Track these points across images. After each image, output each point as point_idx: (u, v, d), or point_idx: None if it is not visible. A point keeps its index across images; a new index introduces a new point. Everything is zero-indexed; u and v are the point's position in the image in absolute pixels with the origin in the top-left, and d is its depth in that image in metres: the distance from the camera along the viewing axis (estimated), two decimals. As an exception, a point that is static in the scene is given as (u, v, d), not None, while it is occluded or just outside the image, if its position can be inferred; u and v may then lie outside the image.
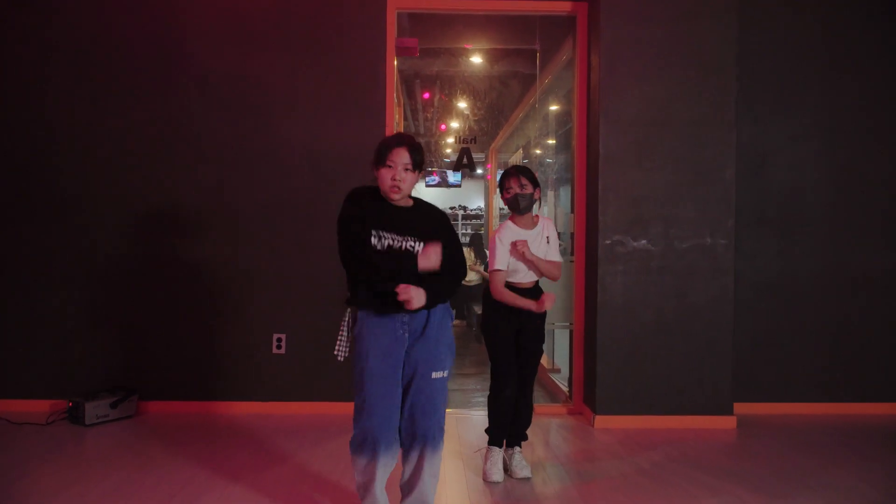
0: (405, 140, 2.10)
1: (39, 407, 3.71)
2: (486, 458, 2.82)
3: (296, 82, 3.80)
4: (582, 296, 3.85)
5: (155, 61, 3.78)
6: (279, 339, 3.78)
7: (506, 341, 2.76)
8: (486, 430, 2.84)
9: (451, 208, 11.32)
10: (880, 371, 3.93)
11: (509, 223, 2.80)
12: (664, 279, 3.60)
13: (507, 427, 2.81)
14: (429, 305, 2.07)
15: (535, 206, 2.86)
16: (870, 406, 3.90)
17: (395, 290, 1.99)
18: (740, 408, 3.76)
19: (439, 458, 2.15)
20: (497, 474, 2.76)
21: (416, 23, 4.21)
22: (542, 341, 2.87)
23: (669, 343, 3.59)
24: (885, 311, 3.93)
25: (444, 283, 2.11)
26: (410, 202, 2.19)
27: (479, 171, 11.22)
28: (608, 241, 3.60)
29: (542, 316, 2.82)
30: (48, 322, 3.76)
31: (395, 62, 3.91)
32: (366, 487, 2.12)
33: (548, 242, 2.80)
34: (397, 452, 2.13)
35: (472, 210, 11.49)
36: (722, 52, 3.62)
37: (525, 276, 2.78)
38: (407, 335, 2.11)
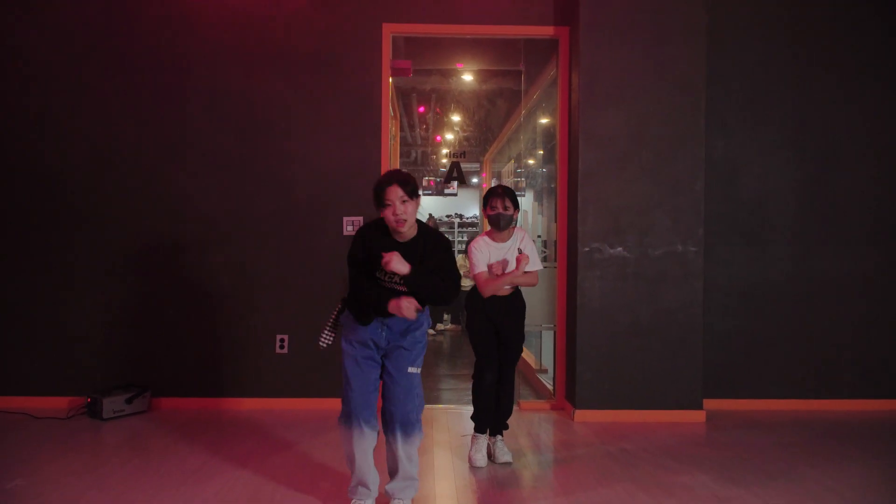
0: (394, 177, 2.36)
1: (58, 403, 3.98)
2: (471, 445, 3.10)
3: (298, 101, 4.10)
4: (563, 299, 4.13)
5: (167, 84, 4.08)
6: (282, 340, 4.07)
7: (486, 333, 3.06)
8: (472, 417, 3.12)
9: (448, 216, 11.64)
10: (843, 370, 4.21)
11: (485, 238, 3.12)
12: (639, 284, 3.88)
13: (490, 414, 3.09)
14: (417, 295, 2.36)
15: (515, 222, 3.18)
16: (832, 402, 4.17)
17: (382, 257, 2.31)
18: (710, 403, 4.04)
19: (418, 439, 2.46)
20: (481, 460, 3.04)
21: (411, 44, 4.51)
22: (522, 339, 3.17)
23: (643, 343, 3.87)
24: (847, 314, 4.22)
25: (432, 284, 2.36)
26: (415, 232, 2.44)
27: (475, 180, 11.55)
28: (587, 249, 3.88)
29: (519, 314, 3.12)
30: (67, 325, 4.05)
31: (391, 82, 4.21)
32: (351, 458, 2.45)
33: (520, 252, 3.07)
34: (377, 428, 2.47)
35: (467, 218, 11.79)
36: (692, 73, 3.92)
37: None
38: (384, 332, 2.43)
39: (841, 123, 4.25)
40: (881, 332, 4.22)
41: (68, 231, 4.06)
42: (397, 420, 2.43)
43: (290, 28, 4.10)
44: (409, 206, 2.36)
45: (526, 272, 3.06)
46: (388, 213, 2.36)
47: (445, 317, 8.02)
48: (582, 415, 3.85)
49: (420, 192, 2.45)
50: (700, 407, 3.87)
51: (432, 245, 2.44)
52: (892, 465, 3.10)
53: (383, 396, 2.49)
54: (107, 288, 4.06)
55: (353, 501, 2.48)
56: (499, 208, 3.03)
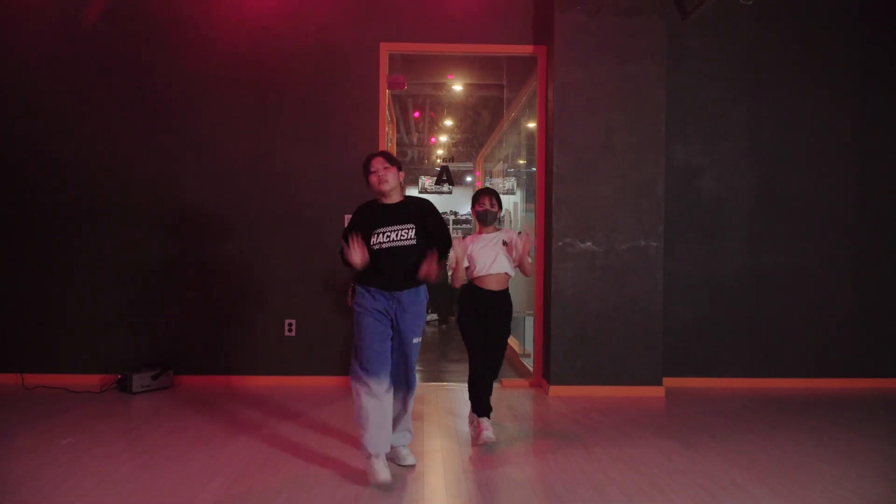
0: (378, 151, 2.92)
1: (90, 380, 4.48)
2: (479, 423, 3.34)
3: (305, 112, 4.59)
4: (540, 288, 4.64)
5: (184, 96, 4.57)
6: (290, 324, 4.56)
7: (477, 330, 3.33)
8: (473, 408, 3.38)
9: (443, 213, 12.11)
10: (789, 352, 4.72)
11: (476, 235, 3.47)
12: (606, 275, 4.39)
13: (486, 400, 3.37)
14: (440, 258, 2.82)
15: (498, 221, 3.55)
16: (779, 381, 4.69)
17: (420, 275, 2.75)
18: (670, 382, 4.56)
19: (414, 391, 2.97)
20: (487, 432, 3.26)
21: (406, 60, 5.00)
22: (507, 333, 3.44)
23: (610, 327, 4.37)
24: (793, 302, 4.73)
25: (442, 251, 2.88)
26: (402, 199, 2.91)
27: (469, 178, 12.04)
28: (560, 243, 4.38)
29: (507, 313, 3.43)
30: (99, 310, 4.55)
31: (388, 93, 4.70)
32: (365, 414, 2.68)
33: (504, 244, 3.39)
34: (389, 387, 2.76)
35: (462, 215, 12.27)
36: (654, 88, 4.41)
37: (486, 269, 3.32)
38: (394, 304, 2.82)
39: (789, 132, 4.76)
40: (823, 318, 4.73)
41: (101, 226, 4.55)
42: (406, 381, 2.86)
43: (299, 48, 4.59)
44: (390, 172, 2.81)
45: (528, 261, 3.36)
46: (372, 178, 2.82)
47: (432, 315, 8.40)
48: (555, 390, 4.36)
49: (402, 169, 2.90)
50: (660, 384, 4.38)
51: (419, 208, 2.88)
52: (816, 431, 3.60)
53: (393, 365, 2.84)
54: (134, 277, 4.56)
55: (369, 458, 2.70)
56: (486, 205, 3.40)
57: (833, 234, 4.75)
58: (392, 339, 2.86)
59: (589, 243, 4.39)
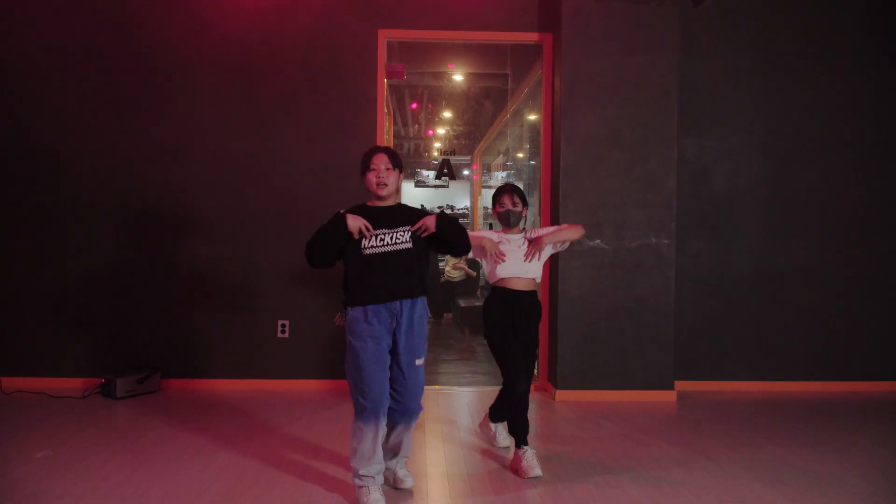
0: (383, 147, 2.63)
1: (73, 384, 4.25)
2: (521, 459, 2.83)
3: (300, 103, 4.36)
4: (546, 287, 4.44)
5: (174, 88, 4.33)
6: (283, 325, 4.35)
7: (510, 338, 2.93)
8: (511, 433, 2.91)
9: (439, 207, 11.93)
10: (803, 353, 4.55)
11: (500, 232, 3.12)
12: (615, 273, 4.19)
13: (527, 421, 2.90)
14: (444, 226, 2.52)
15: (523, 222, 3.18)
16: (793, 384, 4.52)
17: (418, 224, 2.47)
18: (681, 385, 4.37)
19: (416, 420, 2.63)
20: (536, 469, 2.80)
21: (405, 48, 4.77)
22: (537, 329, 3.09)
23: (619, 328, 4.18)
24: (805, 303, 4.55)
25: (456, 225, 2.60)
26: (395, 203, 2.64)
27: (466, 172, 11.83)
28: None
29: (538, 308, 3.08)
30: (83, 310, 4.31)
31: (386, 83, 4.47)
32: (369, 454, 2.44)
33: (531, 243, 3.05)
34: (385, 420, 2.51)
35: (458, 209, 12.08)
36: (665, 79, 4.21)
37: (513, 271, 2.99)
38: (393, 322, 2.50)
39: (802, 126, 4.57)
40: (838, 319, 4.56)
41: (86, 223, 4.31)
42: (407, 411, 2.54)
43: (294, 36, 4.35)
44: (392, 174, 2.54)
45: (560, 228, 3.07)
46: (370, 176, 2.53)
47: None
48: (562, 395, 4.16)
49: (403, 170, 2.63)
50: (671, 388, 4.20)
51: (414, 212, 2.60)
52: (839, 440, 3.42)
53: (393, 389, 2.54)
54: (119, 277, 4.33)
55: (365, 489, 2.46)
56: (508, 205, 3.04)
57: (849, 232, 4.57)
58: (391, 364, 2.54)
59: (597, 241, 4.19)
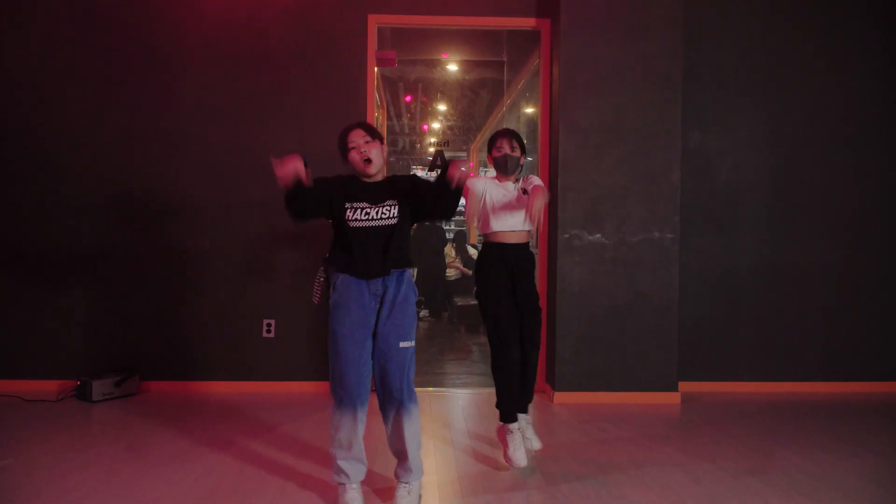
0: (355, 123, 2.45)
1: (48, 386, 4.05)
2: (505, 442, 2.72)
3: (285, 92, 4.16)
4: (544, 283, 4.25)
5: (156, 75, 4.13)
6: (269, 324, 4.15)
7: (506, 300, 2.74)
8: (497, 406, 2.79)
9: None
10: (810, 353, 4.36)
11: (494, 179, 2.87)
12: (616, 269, 4.00)
13: (517, 397, 2.76)
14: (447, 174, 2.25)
15: (520, 170, 2.93)
16: (801, 385, 4.33)
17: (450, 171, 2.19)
18: (685, 386, 4.19)
19: (417, 413, 2.39)
20: (521, 458, 2.66)
21: (397, 35, 4.58)
22: (538, 298, 2.89)
23: (621, 327, 3.99)
24: (813, 300, 4.37)
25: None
26: (382, 178, 2.47)
27: (463, 168, 11.58)
28: (566, 235, 3.99)
29: (532, 263, 2.89)
30: (57, 309, 4.11)
31: (377, 71, 4.28)
32: (348, 443, 2.33)
33: (524, 193, 2.82)
34: (367, 409, 2.40)
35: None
36: (669, 67, 4.02)
37: (508, 223, 2.78)
38: (375, 304, 2.37)
39: (812, 117, 4.38)
40: (846, 318, 4.37)
41: (59, 217, 4.11)
42: (395, 399, 2.36)
43: (277, 21, 4.15)
44: (373, 146, 2.39)
45: (534, 190, 2.68)
46: (353, 155, 2.38)
47: (423, 312, 8.05)
48: (561, 396, 3.98)
49: (385, 142, 2.45)
50: (675, 389, 4.01)
51: (404, 181, 2.43)
52: (852, 443, 3.24)
53: (377, 376, 2.39)
54: (95, 272, 4.12)
55: (343, 487, 2.38)
56: (505, 149, 2.80)
57: (860, 228, 4.39)
58: (374, 347, 2.38)
59: (598, 235, 4.01)
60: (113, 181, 4.12)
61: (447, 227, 11.31)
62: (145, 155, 4.13)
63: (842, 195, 4.39)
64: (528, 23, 4.28)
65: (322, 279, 2.48)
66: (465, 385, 4.47)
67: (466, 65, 5.45)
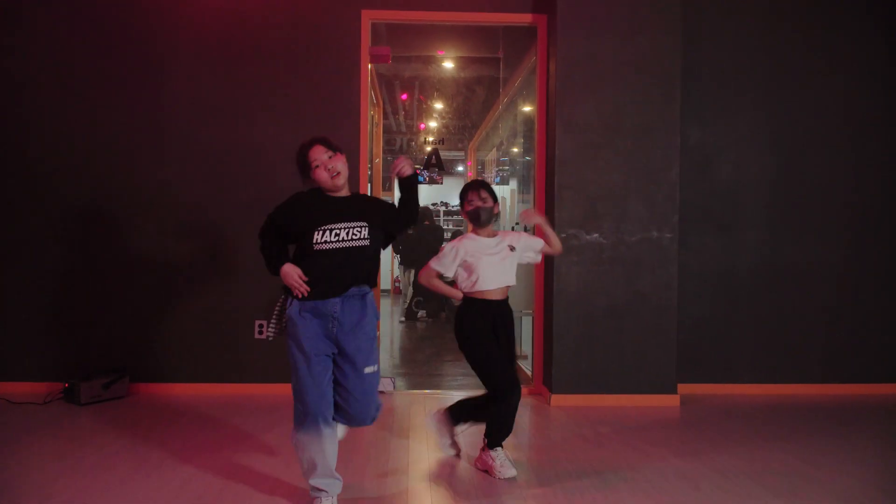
0: (314, 139, 2.39)
1: (36, 389, 3.97)
2: (490, 459, 2.73)
3: (278, 89, 4.09)
4: (541, 284, 4.18)
5: (145, 71, 4.05)
6: (261, 326, 4.08)
7: (493, 346, 2.75)
8: (489, 435, 2.78)
9: (433, 204, 11.64)
10: (812, 355, 4.30)
11: (470, 234, 2.85)
12: (615, 269, 3.94)
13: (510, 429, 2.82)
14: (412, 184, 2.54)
15: (495, 219, 2.91)
16: (802, 387, 4.27)
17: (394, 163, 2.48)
18: (684, 388, 4.12)
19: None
20: (510, 469, 2.70)
21: (392, 31, 4.51)
22: (514, 336, 2.94)
23: (619, 327, 3.93)
24: (813, 301, 4.30)
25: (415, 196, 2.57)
26: (348, 193, 2.44)
27: (460, 168, 11.55)
28: (563, 235, 3.92)
29: (511, 315, 2.91)
30: (46, 310, 4.03)
31: (371, 68, 4.21)
32: (312, 464, 2.30)
33: (512, 250, 2.82)
34: (335, 428, 2.37)
35: (453, 206, 11.81)
36: (668, 63, 3.95)
37: (494, 282, 2.77)
38: (334, 329, 2.31)
39: (813, 114, 4.32)
40: (847, 319, 4.31)
41: (48, 219, 4.03)
42: (356, 421, 2.39)
43: (270, 16, 4.08)
44: (337, 159, 2.36)
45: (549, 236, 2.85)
46: (320, 173, 2.34)
47: (421, 312, 7.97)
48: (558, 399, 3.91)
49: (343, 151, 2.43)
50: (675, 391, 3.94)
51: (369, 203, 2.51)
52: (853, 447, 3.18)
53: (339, 401, 2.36)
54: (85, 273, 4.05)
55: (318, 500, 2.34)
56: (476, 202, 2.80)
57: (857, 227, 4.33)
58: (336, 372, 2.34)
59: (595, 235, 3.94)
60: (100, 183, 4.05)
61: (445, 227, 11.28)
62: (136, 155, 4.06)
63: (842, 195, 4.32)
64: (524, 18, 4.21)
65: (277, 310, 2.43)
66: (461, 387, 4.39)
67: (462, 61, 5.38)
